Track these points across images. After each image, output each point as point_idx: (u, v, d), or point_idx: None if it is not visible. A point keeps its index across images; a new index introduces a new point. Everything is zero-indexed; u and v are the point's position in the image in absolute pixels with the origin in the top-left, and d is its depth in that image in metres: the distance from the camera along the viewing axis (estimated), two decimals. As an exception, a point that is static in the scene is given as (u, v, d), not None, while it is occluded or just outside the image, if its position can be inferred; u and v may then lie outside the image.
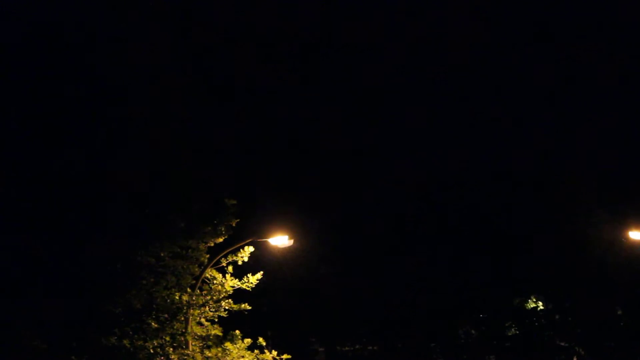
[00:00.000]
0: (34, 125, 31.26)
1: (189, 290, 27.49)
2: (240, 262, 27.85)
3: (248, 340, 27.64)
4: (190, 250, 27.75)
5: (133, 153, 31.18)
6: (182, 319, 27.25)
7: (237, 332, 27.79)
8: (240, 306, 27.71)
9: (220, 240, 27.80)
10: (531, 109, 56.34)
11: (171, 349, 26.79)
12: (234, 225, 27.85)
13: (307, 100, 50.22)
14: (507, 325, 54.19)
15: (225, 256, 27.87)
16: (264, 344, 27.85)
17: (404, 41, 54.46)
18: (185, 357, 26.68)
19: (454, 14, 55.31)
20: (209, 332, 27.46)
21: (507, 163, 54.64)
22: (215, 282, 27.82)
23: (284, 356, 27.84)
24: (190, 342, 27.12)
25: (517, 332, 54.06)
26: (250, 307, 27.86)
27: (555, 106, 55.94)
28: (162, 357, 26.53)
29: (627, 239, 37.99)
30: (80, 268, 27.99)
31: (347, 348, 53.16)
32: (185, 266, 27.64)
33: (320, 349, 52.95)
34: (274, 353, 27.82)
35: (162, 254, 27.35)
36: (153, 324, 27.02)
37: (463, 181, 54.45)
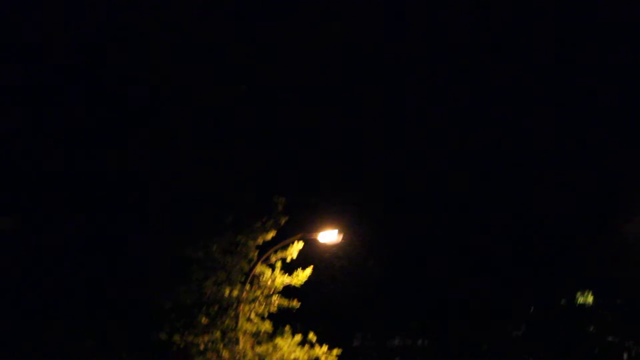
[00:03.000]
0: (84, 123, 31.55)
1: (239, 285, 27.46)
2: (289, 259, 27.79)
3: (298, 336, 27.60)
4: (239, 246, 27.73)
5: (183, 149, 31.33)
6: (233, 314, 27.25)
7: (287, 327, 27.77)
8: (290, 302, 27.66)
9: (269, 237, 27.74)
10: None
11: (222, 345, 26.82)
12: (282, 223, 27.79)
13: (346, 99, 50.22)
14: (556, 320, 53.87)
15: (275, 252, 27.82)
16: (315, 339, 27.75)
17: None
18: (236, 354, 26.69)
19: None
20: (259, 328, 27.42)
21: (555, 161, 54.29)
22: (264, 277, 27.76)
23: (334, 351, 27.79)
24: (241, 338, 27.11)
25: (566, 327, 53.74)
26: (299, 304, 27.76)
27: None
28: (214, 354, 26.57)
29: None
30: (131, 263, 28.16)
31: (397, 343, 53.05)
32: (235, 262, 27.62)
33: (370, 344, 52.86)
34: (324, 348, 27.76)
35: (214, 247, 27.33)
36: (203, 319, 27.05)
37: (508, 176, 54.15)
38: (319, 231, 28.19)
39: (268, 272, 27.79)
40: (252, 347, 27.26)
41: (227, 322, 27.16)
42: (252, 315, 27.64)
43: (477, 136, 54.58)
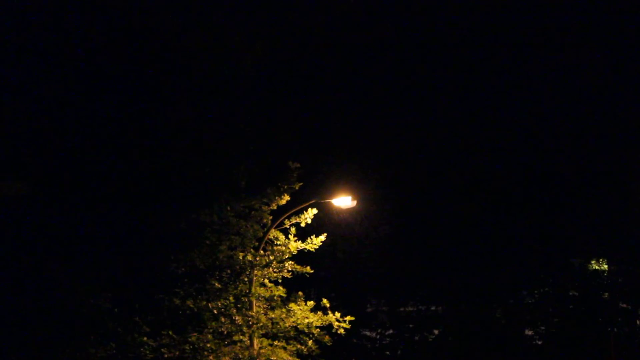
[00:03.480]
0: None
1: (252, 251, 27.42)
2: (303, 224, 27.71)
3: (311, 303, 27.57)
4: (253, 212, 27.66)
5: (196, 116, 31.18)
6: (246, 279, 27.24)
7: (300, 293, 27.74)
8: (303, 268, 27.61)
9: (283, 202, 27.65)
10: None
11: (235, 309, 26.82)
12: (297, 188, 27.68)
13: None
14: (569, 287, 53.79)
15: (289, 217, 27.74)
16: (328, 305, 27.72)
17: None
18: (249, 319, 26.70)
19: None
20: (273, 293, 27.40)
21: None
22: (278, 243, 27.70)
23: (347, 318, 27.75)
24: (254, 303, 27.11)
25: (578, 293, 53.69)
26: (312, 271, 27.70)
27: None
28: (226, 319, 26.57)
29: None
30: (145, 228, 28.12)
31: (410, 309, 53.04)
32: (248, 226, 27.54)
33: (383, 309, 52.91)
34: (338, 315, 27.73)
35: (229, 209, 27.23)
36: (216, 284, 27.02)
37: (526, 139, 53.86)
38: (334, 197, 28.13)
39: (282, 237, 27.72)
40: (265, 312, 27.28)
41: (240, 287, 27.18)
42: (266, 281, 27.63)
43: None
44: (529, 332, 53.65)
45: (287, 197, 27.59)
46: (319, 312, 27.59)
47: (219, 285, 27.03)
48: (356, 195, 28.49)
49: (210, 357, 26.26)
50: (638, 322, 53.21)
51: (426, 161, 52.58)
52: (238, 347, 26.81)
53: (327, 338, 27.65)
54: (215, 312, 26.60)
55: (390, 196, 49.87)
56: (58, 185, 29.30)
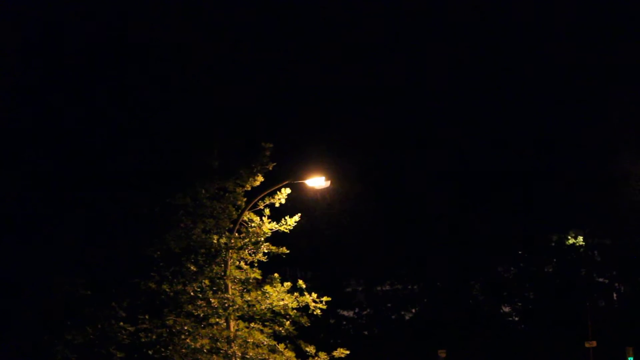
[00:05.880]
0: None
1: (227, 233, 27.33)
2: (277, 205, 27.65)
3: (288, 284, 27.52)
4: (227, 194, 27.55)
5: (169, 95, 31.05)
6: (221, 262, 27.16)
7: (276, 275, 27.66)
8: (278, 249, 27.56)
9: (257, 183, 27.57)
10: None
11: (211, 292, 26.76)
12: (270, 169, 27.60)
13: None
14: (545, 261, 54.12)
15: (263, 199, 27.66)
16: (304, 286, 27.69)
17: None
18: (225, 301, 26.64)
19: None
20: (248, 276, 27.34)
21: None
22: (253, 224, 27.61)
23: (324, 298, 27.73)
24: (229, 285, 27.05)
25: (554, 268, 54.02)
26: (288, 251, 27.65)
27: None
28: (202, 301, 26.52)
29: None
30: (118, 213, 27.99)
31: (387, 288, 53.17)
32: (223, 208, 27.43)
33: (359, 289, 53.04)
34: (314, 295, 27.70)
35: (203, 191, 27.12)
36: (192, 267, 26.93)
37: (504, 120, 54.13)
38: (307, 176, 28.06)
39: (256, 219, 27.64)
40: (241, 295, 27.20)
41: (215, 269, 27.09)
42: (241, 263, 27.56)
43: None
44: (506, 309, 53.96)
45: (260, 178, 27.51)
46: (295, 294, 27.54)
47: (194, 269, 26.93)
48: (330, 175, 28.43)
49: (187, 340, 26.18)
50: (614, 296, 53.62)
51: (403, 142, 52.67)
52: (215, 330, 26.76)
53: (304, 319, 27.61)
54: (191, 294, 26.55)
55: (366, 176, 49.94)
56: (33, 169, 29.14)
